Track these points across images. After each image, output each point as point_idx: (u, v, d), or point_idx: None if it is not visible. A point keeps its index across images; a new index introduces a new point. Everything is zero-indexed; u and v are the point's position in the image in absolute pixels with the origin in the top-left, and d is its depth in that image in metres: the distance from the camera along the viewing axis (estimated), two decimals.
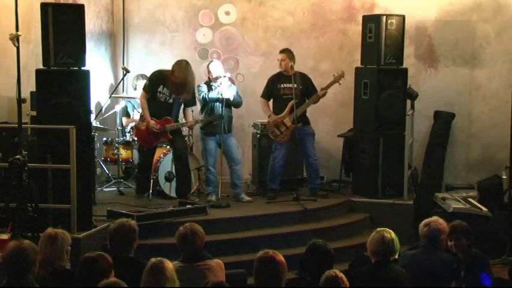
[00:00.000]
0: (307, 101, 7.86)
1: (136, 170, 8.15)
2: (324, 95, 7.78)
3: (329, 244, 4.80)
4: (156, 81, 7.48)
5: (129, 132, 8.24)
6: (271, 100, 8.04)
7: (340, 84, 7.83)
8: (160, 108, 7.48)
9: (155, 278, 3.93)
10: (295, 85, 7.71)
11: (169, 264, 4.03)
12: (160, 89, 7.44)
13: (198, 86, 7.74)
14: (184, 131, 8.41)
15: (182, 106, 7.74)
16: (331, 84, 7.77)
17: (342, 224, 7.49)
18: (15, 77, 5.44)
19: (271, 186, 7.94)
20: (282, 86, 7.85)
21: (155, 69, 7.73)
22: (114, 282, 3.80)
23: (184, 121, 7.79)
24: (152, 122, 7.40)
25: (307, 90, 7.91)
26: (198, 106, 7.97)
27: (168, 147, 7.96)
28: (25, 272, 3.99)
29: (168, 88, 7.43)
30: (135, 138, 8.00)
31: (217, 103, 7.61)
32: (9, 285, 3.98)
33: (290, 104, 7.70)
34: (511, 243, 7.16)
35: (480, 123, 8.90)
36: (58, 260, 4.38)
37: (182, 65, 7.43)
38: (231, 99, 7.65)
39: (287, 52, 7.89)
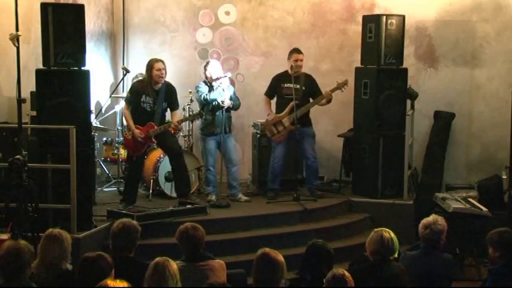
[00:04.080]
0: (310, 101, 7.85)
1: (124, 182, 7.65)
2: (329, 99, 7.71)
3: (329, 244, 4.80)
4: (137, 92, 7.29)
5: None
6: (275, 99, 8.03)
7: (342, 91, 7.81)
8: (143, 115, 7.28)
9: (159, 277, 3.94)
10: (296, 86, 7.71)
11: (174, 264, 4.03)
12: (143, 99, 7.25)
13: (197, 86, 7.72)
14: (184, 131, 8.43)
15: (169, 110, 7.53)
16: (334, 90, 7.73)
17: (342, 224, 7.50)
18: (15, 77, 5.45)
19: (271, 186, 7.94)
20: (286, 85, 7.83)
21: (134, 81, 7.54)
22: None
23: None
24: (137, 132, 7.20)
25: (312, 91, 7.89)
26: (197, 107, 7.96)
27: None
28: (19, 272, 3.98)
29: (151, 96, 7.25)
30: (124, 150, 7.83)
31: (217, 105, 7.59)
32: (6, 286, 3.97)
33: (291, 104, 7.70)
34: None
35: (480, 123, 8.89)
36: (60, 261, 4.37)
37: (152, 60, 7.37)
38: (231, 106, 7.63)
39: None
